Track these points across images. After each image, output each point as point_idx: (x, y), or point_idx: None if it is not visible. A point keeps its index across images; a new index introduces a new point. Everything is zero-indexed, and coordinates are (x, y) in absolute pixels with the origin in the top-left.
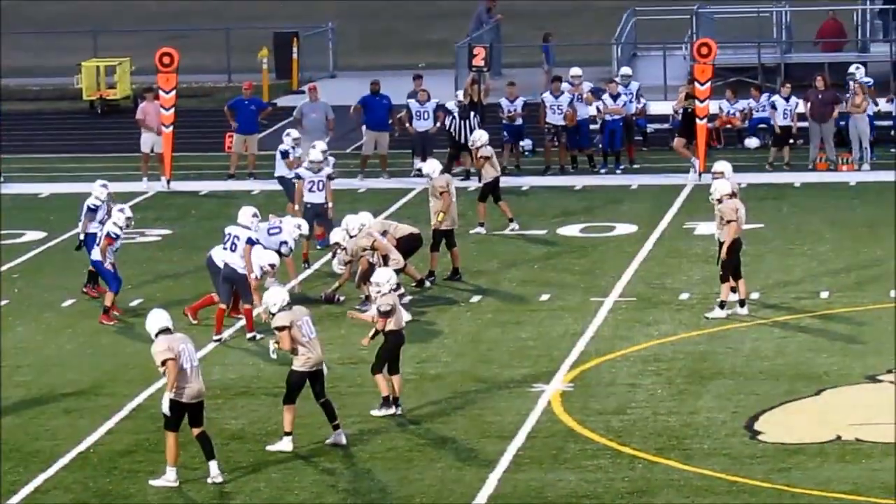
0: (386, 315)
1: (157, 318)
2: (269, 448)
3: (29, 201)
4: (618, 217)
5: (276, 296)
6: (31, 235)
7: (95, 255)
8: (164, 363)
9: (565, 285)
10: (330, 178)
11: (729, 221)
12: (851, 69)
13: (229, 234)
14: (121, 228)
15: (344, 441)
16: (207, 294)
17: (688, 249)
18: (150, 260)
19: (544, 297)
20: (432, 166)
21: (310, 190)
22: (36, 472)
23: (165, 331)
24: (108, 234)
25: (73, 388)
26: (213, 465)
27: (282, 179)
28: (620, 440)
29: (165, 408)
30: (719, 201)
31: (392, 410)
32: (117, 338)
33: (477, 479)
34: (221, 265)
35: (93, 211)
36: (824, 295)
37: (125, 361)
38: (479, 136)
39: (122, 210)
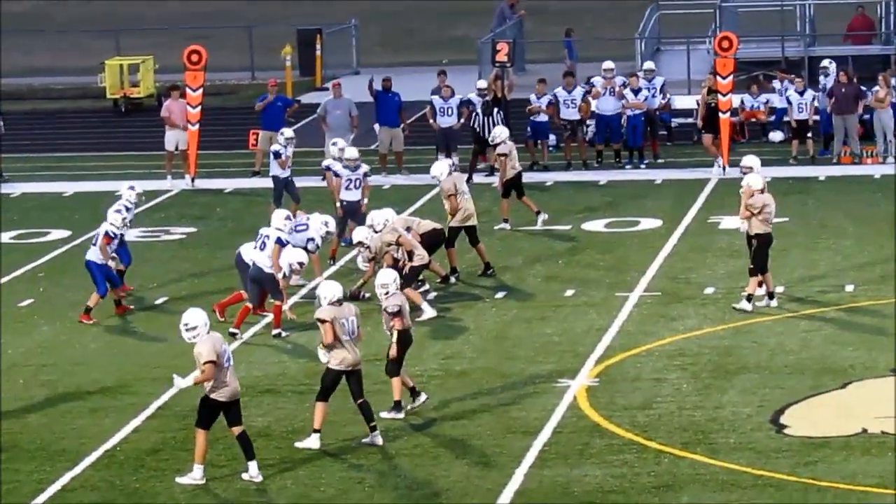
0: (396, 315)
1: (202, 316)
2: (298, 445)
3: (53, 200)
4: (642, 212)
5: (329, 289)
6: (56, 234)
7: (90, 255)
8: (206, 363)
9: (590, 281)
10: (367, 175)
11: (753, 214)
12: (824, 63)
13: (261, 234)
14: (118, 228)
15: (380, 442)
16: (235, 291)
17: (712, 244)
18: (175, 258)
19: (569, 292)
20: (440, 168)
21: (346, 188)
22: (62, 470)
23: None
24: (106, 234)
25: (98, 386)
26: (253, 466)
27: (275, 179)
28: (646, 435)
29: (181, 382)
30: (751, 195)
31: (402, 415)
32: (142, 336)
33: (502, 475)
34: (250, 263)
35: (126, 211)
36: (849, 288)
37: (150, 360)
38: (499, 133)
39: (118, 210)
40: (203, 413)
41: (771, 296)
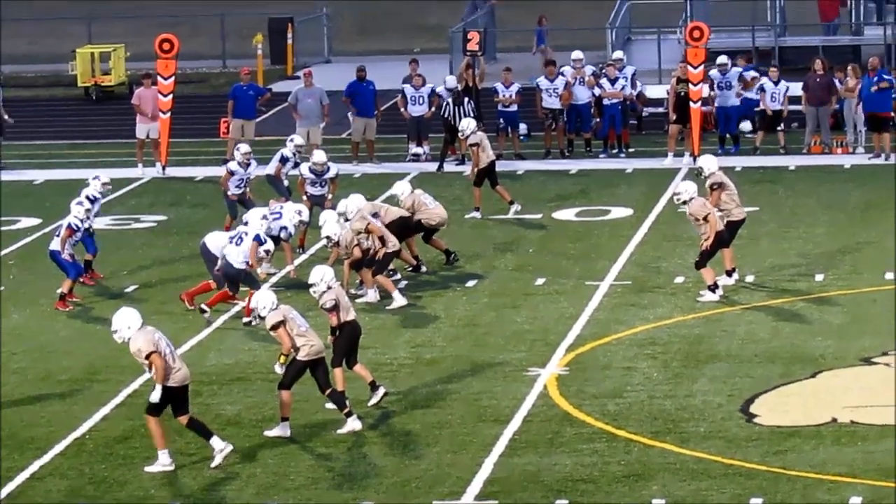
0: (331, 310)
1: (134, 315)
2: (267, 434)
3: (24, 188)
4: (613, 201)
5: (266, 298)
6: (27, 222)
7: (54, 245)
8: (149, 356)
9: (561, 269)
10: (335, 178)
11: (706, 218)
12: (721, 59)
13: (239, 231)
14: (81, 221)
15: (359, 426)
16: (204, 281)
17: (683, 233)
18: (146, 246)
19: (540, 281)
20: (401, 188)
21: (312, 184)
22: (31, 458)
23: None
24: (69, 226)
25: (68, 374)
26: (216, 440)
27: (270, 178)
28: (616, 424)
29: (156, 397)
30: (685, 203)
31: (382, 391)
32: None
33: (473, 463)
34: (217, 253)
35: (91, 202)
36: (819, 277)
37: (120, 348)
38: (467, 125)
39: (80, 203)
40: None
41: (729, 273)
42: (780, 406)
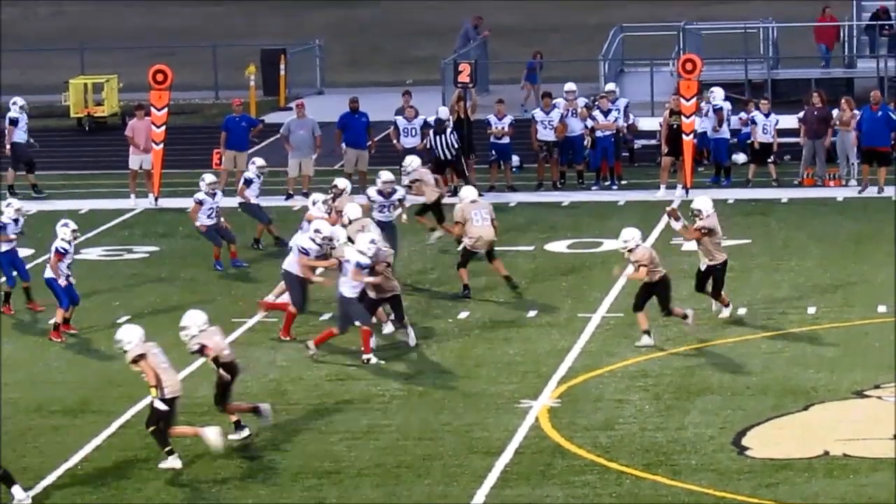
0: (198, 353)
1: None
2: (161, 465)
3: None
4: (605, 233)
5: (130, 333)
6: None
7: (48, 272)
8: None
9: (553, 301)
10: (402, 201)
11: (639, 267)
12: (713, 90)
13: (343, 260)
14: (68, 243)
15: (180, 465)
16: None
17: (674, 266)
18: (138, 276)
19: (532, 313)
20: (466, 193)
21: (380, 210)
22: (24, 489)
23: None
24: (56, 250)
25: (60, 404)
26: (17, 489)
27: (244, 205)
28: (608, 456)
29: None
30: (630, 251)
31: (246, 433)
32: (104, 355)
33: (465, 495)
34: (296, 271)
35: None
36: (811, 310)
37: (112, 378)
38: (410, 162)
39: (66, 224)
40: None
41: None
42: (772, 439)
